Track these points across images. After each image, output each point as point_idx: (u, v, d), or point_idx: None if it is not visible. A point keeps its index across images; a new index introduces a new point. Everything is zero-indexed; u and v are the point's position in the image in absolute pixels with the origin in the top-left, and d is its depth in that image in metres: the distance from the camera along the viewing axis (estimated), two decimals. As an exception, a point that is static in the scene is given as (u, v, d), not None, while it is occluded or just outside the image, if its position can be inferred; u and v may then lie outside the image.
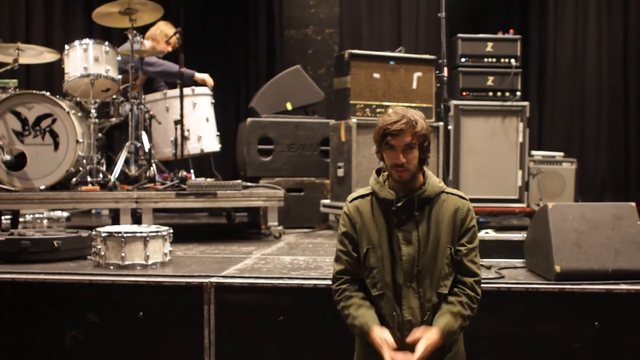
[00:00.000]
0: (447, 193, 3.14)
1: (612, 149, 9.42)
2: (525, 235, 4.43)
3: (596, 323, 3.69)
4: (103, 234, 4.27)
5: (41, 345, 3.90)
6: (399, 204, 3.05)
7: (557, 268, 3.75)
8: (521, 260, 4.37)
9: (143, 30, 6.80)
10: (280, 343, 3.79)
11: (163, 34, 7.28)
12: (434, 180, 3.14)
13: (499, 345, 3.73)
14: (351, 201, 3.20)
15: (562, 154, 7.55)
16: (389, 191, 3.09)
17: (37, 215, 7.80)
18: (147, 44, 7.27)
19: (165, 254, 4.38)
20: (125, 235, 4.24)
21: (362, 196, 3.18)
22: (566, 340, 3.70)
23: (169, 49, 7.31)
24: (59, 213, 7.87)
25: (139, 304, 3.85)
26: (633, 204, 3.99)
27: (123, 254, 4.21)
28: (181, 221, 7.86)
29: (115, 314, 3.88)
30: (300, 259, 4.69)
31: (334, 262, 3.22)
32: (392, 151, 3.01)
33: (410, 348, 2.99)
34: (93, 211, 8.73)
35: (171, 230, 4.48)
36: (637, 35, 9.45)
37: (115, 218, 6.92)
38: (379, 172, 3.20)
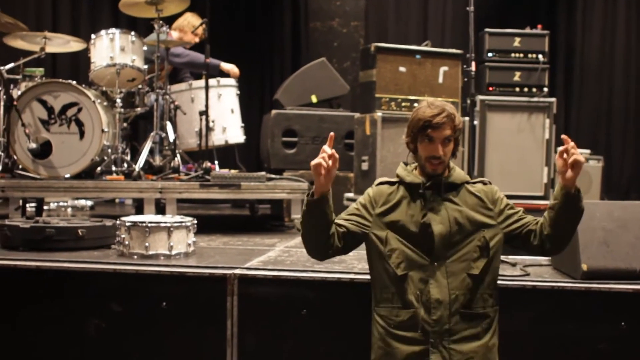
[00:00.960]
0: (471, 183, 3.22)
1: (638, 148, 9.32)
2: (551, 232, 4.37)
3: (622, 323, 3.63)
4: (127, 224, 4.27)
5: (64, 333, 3.90)
6: (427, 185, 3.10)
7: (584, 267, 3.70)
8: (547, 258, 4.31)
9: (169, 20, 6.80)
10: (302, 336, 3.77)
11: (190, 25, 7.28)
12: (458, 170, 3.22)
13: (522, 343, 3.68)
14: (378, 184, 3.25)
15: (588, 151, 7.49)
16: (416, 175, 3.15)
17: (61, 204, 7.83)
18: (174, 34, 7.27)
19: (189, 245, 4.37)
20: (149, 225, 4.23)
21: (390, 182, 3.23)
22: (592, 340, 3.65)
23: (196, 40, 7.31)
24: (83, 202, 7.90)
25: (163, 294, 3.84)
26: (662, 203, 3.94)
27: (147, 244, 4.20)
28: (204, 212, 7.86)
29: (139, 304, 3.87)
30: (323, 252, 4.66)
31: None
32: (430, 144, 3.06)
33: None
34: (117, 201, 8.75)
35: (195, 221, 4.46)
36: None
37: (139, 208, 6.92)
38: (406, 164, 3.26)
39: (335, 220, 3.21)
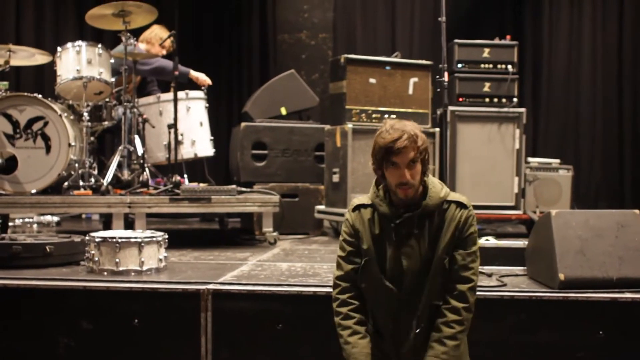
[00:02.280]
0: (450, 201, 3.04)
1: (606, 157, 9.43)
2: (526, 242, 4.36)
3: (600, 332, 3.63)
4: (97, 239, 4.19)
5: (33, 353, 3.80)
6: (398, 222, 2.99)
7: (561, 276, 3.69)
8: (522, 267, 4.30)
9: (136, 32, 6.71)
10: (278, 351, 3.71)
11: (158, 37, 7.19)
12: (436, 189, 3.03)
13: (501, 353, 3.67)
14: (354, 210, 3.13)
15: (558, 160, 7.51)
16: (388, 207, 3.02)
17: (26, 220, 7.69)
18: (142, 46, 7.19)
19: (161, 260, 4.30)
20: (119, 240, 4.15)
21: (364, 206, 3.11)
22: (570, 349, 3.64)
23: (163, 52, 7.23)
24: (49, 217, 7.77)
25: (134, 311, 3.76)
26: (637, 211, 3.93)
27: (117, 260, 4.12)
28: (173, 226, 7.78)
29: (110, 321, 3.79)
30: (297, 266, 4.61)
31: (334, 269, 3.17)
32: (396, 169, 2.91)
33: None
34: (83, 216, 8.64)
35: (166, 236, 4.39)
36: (631, 44, 9.47)
37: (106, 223, 6.82)
38: (378, 183, 3.10)
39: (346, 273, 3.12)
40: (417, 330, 3.00)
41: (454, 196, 3.07)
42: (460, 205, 3.04)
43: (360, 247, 3.08)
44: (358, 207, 3.12)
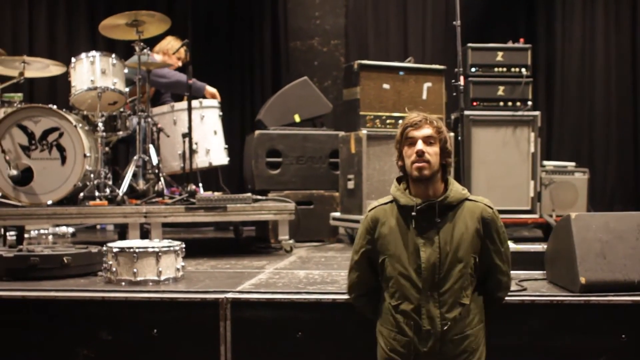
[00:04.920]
0: (472, 200, 3.10)
1: (621, 159, 9.36)
2: (544, 246, 4.33)
3: (623, 335, 3.59)
4: (114, 250, 4.18)
5: (53, 364, 3.80)
6: (419, 208, 3.00)
7: (582, 279, 3.66)
8: (541, 272, 4.27)
9: (150, 42, 6.72)
10: (298, 359, 3.69)
11: (174, 48, 7.22)
12: (457, 187, 3.11)
13: (522, 358, 3.64)
14: (370, 209, 3.19)
15: (574, 164, 7.47)
16: (410, 197, 3.05)
17: (42, 231, 7.70)
18: (157, 57, 7.20)
19: (178, 270, 4.29)
20: (137, 250, 4.14)
21: (383, 204, 3.17)
22: (592, 353, 3.60)
23: (179, 63, 7.25)
24: (64, 229, 7.77)
25: (153, 320, 3.75)
26: (657, 213, 3.90)
27: (135, 270, 4.11)
28: (188, 236, 7.77)
29: (129, 332, 3.78)
30: (314, 273, 4.59)
31: (348, 273, 3.25)
32: (412, 146, 3.02)
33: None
34: (98, 227, 8.64)
35: (183, 245, 4.38)
36: (645, 45, 9.41)
37: (121, 233, 6.83)
38: (399, 180, 3.17)
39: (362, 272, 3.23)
40: (444, 328, 2.99)
41: (476, 197, 3.15)
42: (484, 204, 3.11)
43: (377, 248, 3.11)
44: (375, 207, 3.19)
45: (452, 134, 6.25)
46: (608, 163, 9.35)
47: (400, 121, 3.15)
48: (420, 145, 2.99)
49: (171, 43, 7.27)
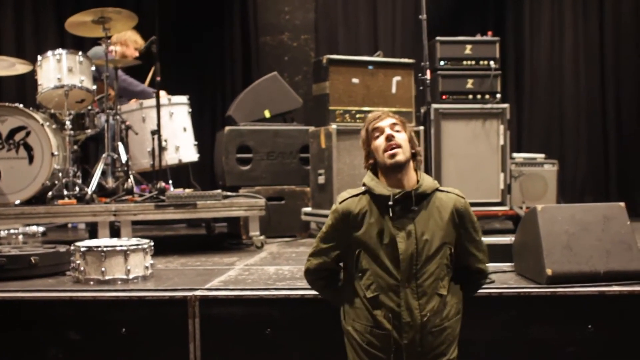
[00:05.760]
0: (443, 191, 3.13)
1: (591, 151, 9.42)
2: (512, 238, 4.36)
3: (589, 326, 3.64)
4: (82, 249, 4.16)
5: (21, 365, 3.77)
6: (396, 198, 3.00)
7: (549, 271, 3.69)
8: (509, 264, 4.30)
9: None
10: (268, 356, 3.69)
11: (132, 39, 7.19)
12: (427, 177, 3.14)
13: (492, 350, 3.67)
14: (341, 202, 3.15)
15: (543, 155, 7.53)
16: (386, 187, 3.05)
17: (12, 231, 7.63)
18: (117, 49, 7.15)
19: (147, 268, 4.27)
20: (105, 249, 4.12)
21: (354, 195, 3.14)
22: (560, 344, 3.64)
23: (136, 53, 7.19)
24: (34, 228, 7.70)
25: (122, 319, 3.74)
26: (622, 204, 3.93)
27: (103, 269, 4.10)
28: (160, 233, 7.75)
29: (98, 331, 3.76)
30: (284, 269, 4.59)
31: (309, 256, 3.26)
32: (380, 136, 3.07)
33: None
34: (69, 225, 8.58)
35: (152, 243, 4.36)
36: (613, 37, 9.47)
37: (92, 232, 6.78)
38: (373, 172, 3.16)
39: (325, 260, 3.23)
40: (424, 320, 2.99)
41: (446, 188, 3.17)
42: (455, 194, 3.13)
43: (347, 240, 3.09)
44: (346, 199, 3.15)
45: (421, 127, 6.33)
46: (578, 155, 9.40)
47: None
48: (388, 130, 3.06)
49: (128, 34, 7.21)
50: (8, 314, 3.81)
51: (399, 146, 3.02)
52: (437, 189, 3.11)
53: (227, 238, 6.96)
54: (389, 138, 3.03)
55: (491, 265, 4.20)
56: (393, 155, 3.01)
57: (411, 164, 3.09)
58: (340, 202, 3.14)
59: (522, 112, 9.50)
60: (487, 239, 4.64)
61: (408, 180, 3.06)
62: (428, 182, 3.09)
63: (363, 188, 3.13)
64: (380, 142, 3.06)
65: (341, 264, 3.23)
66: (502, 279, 3.97)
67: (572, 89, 9.46)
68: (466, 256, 3.16)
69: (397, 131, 3.07)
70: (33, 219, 5.87)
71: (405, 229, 3.00)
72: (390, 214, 3.01)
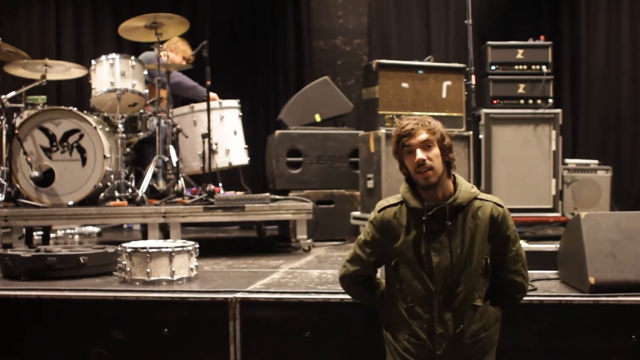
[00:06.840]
0: (481, 199, 3.07)
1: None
2: (558, 245, 4.31)
3: (633, 336, 3.56)
4: (128, 250, 4.23)
5: (66, 362, 3.86)
6: (430, 213, 2.98)
7: (592, 280, 3.63)
8: (554, 271, 4.25)
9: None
10: (307, 359, 3.71)
11: (180, 47, 7.30)
12: (465, 186, 3.07)
13: (531, 359, 3.62)
14: (380, 210, 3.14)
15: (596, 161, 7.40)
16: (419, 201, 3.03)
17: (68, 231, 7.81)
18: (168, 54, 7.26)
19: (192, 269, 4.33)
20: (150, 250, 4.19)
21: (392, 205, 3.13)
22: (602, 354, 3.58)
23: (184, 62, 7.29)
24: (90, 228, 7.87)
25: (164, 320, 3.80)
26: (669, 212, 3.86)
27: (148, 270, 4.16)
28: (212, 235, 7.84)
29: (141, 331, 3.83)
30: (328, 272, 4.61)
31: (346, 262, 3.24)
32: (412, 154, 2.97)
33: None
34: (125, 226, 8.72)
35: (197, 245, 4.42)
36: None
37: (145, 233, 6.89)
38: (409, 182, 3.13)
39: (361, 267, 3.24)
40: (457, 331, 2.99)
41: (486, 196, 3.10)
42: (495, 203, 3.07)
43: (386, 249, 3.09)
44: (384, 208, 3.14)
45: (471, 132, 6.28)
46: (635, 161, 9.21)
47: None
48: (419, 154, 2.94)
49: (176, 42, 7.31)
50: (55, 313, 3.90)
51: (430, 168, 2.95)
52: (475, 198, 3.06)
53: (277, 241, 7.01)
54: (420, 162, 2.94)
55: (536, 273, 4.21)
56: (426, 178, 2.96)
57: (445, 175, 3.01)
58: (379, 211, 3.14)
59: (578, 118, 9.34)
60: (534, 246, 4.66)
61: (443, 191, 3.02)
62: (465, 192, 3.03)
63: (400, 197, 3.12)
64: (411, 161, 2.99)
65: (377, 270, 3.23)
66: (545, 286, 3.92)
67: (629, 93, 9.26)
68: (502, 267, 3.11)
69: (429, 147, 2.96)
70: (85, 220, 5.99)
71: (439, 242, 2.99)
72: (424, 229, 3.00)
